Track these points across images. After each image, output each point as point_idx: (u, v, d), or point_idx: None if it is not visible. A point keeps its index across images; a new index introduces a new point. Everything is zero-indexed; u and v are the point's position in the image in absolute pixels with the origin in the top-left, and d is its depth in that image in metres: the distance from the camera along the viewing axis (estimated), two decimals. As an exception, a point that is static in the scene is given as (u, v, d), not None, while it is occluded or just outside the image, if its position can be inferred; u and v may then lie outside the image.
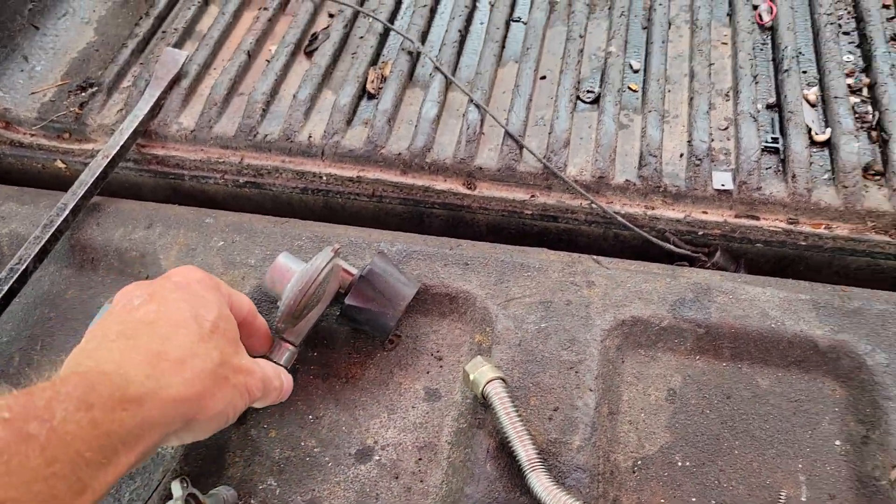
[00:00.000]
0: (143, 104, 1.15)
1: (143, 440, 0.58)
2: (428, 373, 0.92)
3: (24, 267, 0.94)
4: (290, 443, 0.87)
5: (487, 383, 0.82)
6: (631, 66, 1.23)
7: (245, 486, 0.84)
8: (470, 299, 0.96)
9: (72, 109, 1.21)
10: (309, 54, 1.29)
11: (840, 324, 0.91)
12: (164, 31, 1.34)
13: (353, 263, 0.97)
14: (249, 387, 0.72)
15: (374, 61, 1.26)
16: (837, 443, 0.85)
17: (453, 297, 0.97)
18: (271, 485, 0.84)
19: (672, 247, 1.04)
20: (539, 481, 0.76)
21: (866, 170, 1.05)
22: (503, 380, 0.82)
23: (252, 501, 0.83)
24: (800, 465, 0.84)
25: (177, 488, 0.74)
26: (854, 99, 1.14)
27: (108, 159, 1.06)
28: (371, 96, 1.20)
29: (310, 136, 1.14)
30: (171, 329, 0.66)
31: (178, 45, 1.30)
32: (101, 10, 1.34)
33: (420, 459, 0.86)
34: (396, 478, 0.84)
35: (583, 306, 0.94)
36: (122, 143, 1.09)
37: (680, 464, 0.84)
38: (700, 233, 1.05)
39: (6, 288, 0.92)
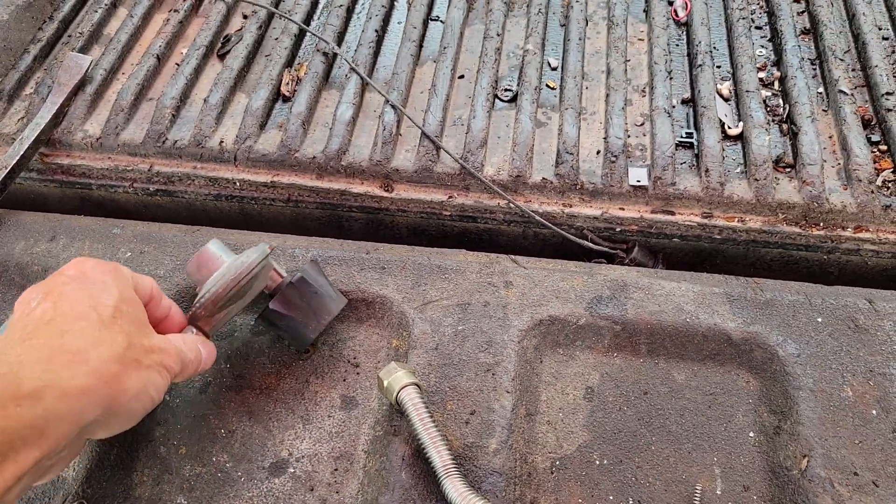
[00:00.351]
0: (45, 112, 1.10)
1: (48, 434, 0.58)
2: (345, 380, 0.90)
3: (-86, 286, 0.89)
4: (202, 459, 0.85)
5: (401, 389, 0.81)
6: (549, 64, 1.23)
7: (153, 506, 0.81)
8: (387, 304, 0.94)
9: (-30, 119, 1.15)
10: (221, 57, 1.25)
11: (753, 316, 0.92)
12: (69, 36, 1.29)
13: (266, 271, 0.94)
14: (166, 364, 0.71)
15: (289, 63, 1.23)
16: (751, 434, 0.86)
17: (370, 303, 0.95)
18: (181, 503, 0.81)
19: (590, 244, 1.04)
20: (453, 487, 0.75)
21: (777, 162, 1.06)
22: (417, 385, 0.81)
23: (160, 522, 0.80)
24: (715, 458, 0.84)
25: (73, 514, 0.71)
26: (766, 92, 1.16)
27: (7, 170, 1.02)
28: (286, 99, 1.18)
29: (222, 142, 1.11)
30: (69, 322, 0.65)
31: (84, 49, 1.25)
32: (3, 15, 1.28)
33: (336, 470, 0.84)
34: (311, 490, 0.82)
35: (500, 307, 0.93)
36: (22, 152, 1.04)
37: (598, 462, 0.84)
38: (618, 229, 1.05)
39: None
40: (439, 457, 0.77)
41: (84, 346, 0.63)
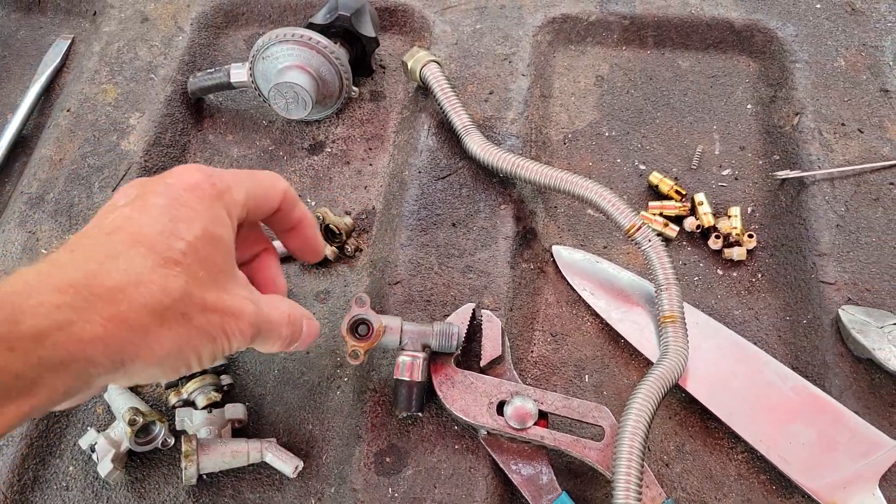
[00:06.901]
0: None
1: (42, 386, 0.44)
2: (373, 80, 0.98)
3: (-31, 3, 0.97)
4: (247, 143, 0.94)
5: (423, 66, 0.88)
6: None
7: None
8: (408, 11, 1.00)
9: None
10: None
11: (755, 6, 0.97)
12: None
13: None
14: (228, 330, 0.54)
15: None
16: (749, 106, 0.93)
17: (392, 11, 1.01)
18: (232, 177, 0.91)
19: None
20: (473, 141, 0.83)
21: None
22: (438, 63, 0.88)
23: (215, 190, 0.90)
24: (714, 126, 0.92)
25: None
26: None
27: None
28: None
29: None
30: (125, 245, 0.50)
31: None
32: None
33: (369, 149, 0.92)
34: (348, 164, 0.91)
35: (515, 8, 0.99)
36: None
37: (606, 134, 0.92)
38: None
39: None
40: (459, 119, 0.85)
41: (122, 283, 0.48)
